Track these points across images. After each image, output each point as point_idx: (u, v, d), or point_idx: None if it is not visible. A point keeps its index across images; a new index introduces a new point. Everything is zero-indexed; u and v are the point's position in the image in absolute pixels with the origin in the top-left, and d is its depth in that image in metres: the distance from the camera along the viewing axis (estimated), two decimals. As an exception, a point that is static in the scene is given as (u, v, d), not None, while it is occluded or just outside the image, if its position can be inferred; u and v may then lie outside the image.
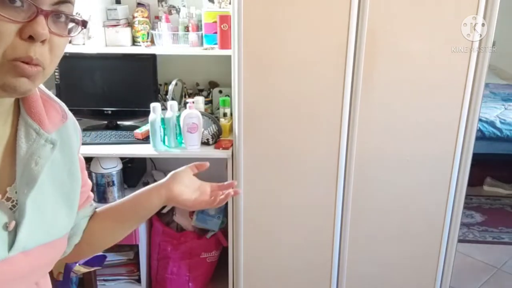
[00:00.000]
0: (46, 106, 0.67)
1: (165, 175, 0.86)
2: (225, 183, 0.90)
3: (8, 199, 0.60)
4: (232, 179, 1.95)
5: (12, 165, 0.62)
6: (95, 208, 0.84)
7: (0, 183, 0.61)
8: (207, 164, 0.91)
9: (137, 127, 2.16)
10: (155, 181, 0.87)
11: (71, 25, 0.59)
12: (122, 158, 2.12)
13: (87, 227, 0.81)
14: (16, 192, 0.61)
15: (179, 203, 0.84)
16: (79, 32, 0.60)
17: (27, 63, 0.54)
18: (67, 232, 0.71)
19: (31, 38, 0.53)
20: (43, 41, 0.54)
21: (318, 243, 2.01)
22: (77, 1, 0.60)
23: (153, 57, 2.15)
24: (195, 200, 0.85)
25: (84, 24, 0.60)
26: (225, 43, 2.06)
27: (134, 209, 0.83)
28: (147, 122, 1.98)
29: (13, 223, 0.59)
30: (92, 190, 0.85)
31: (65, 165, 0.69)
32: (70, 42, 2.19)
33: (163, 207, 2.38)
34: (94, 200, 0.85)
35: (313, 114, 1.84)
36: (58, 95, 2.21)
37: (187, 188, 0.84)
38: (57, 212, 0.67)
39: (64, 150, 0.69)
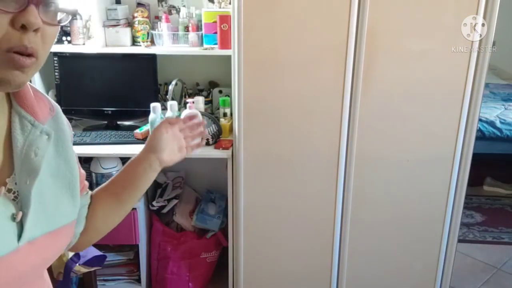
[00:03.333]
0: (35, 99, 0.67)
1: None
2: (194, 123, 0.99)
3: (9, 190, 0.61)
4: (232, 179, 1.95)
5: (7, 157, 0.62)
6: (91, 195, 0.85)
7: None
8: (180, 119, 0.97)
9: (137, 127, 2.16)
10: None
11: (61, 14, 0.60)
12: (122, 158, 2.11)
13: (88, 213, 0.82)
14: (16, 183, 0.61)
15: (172, 163, 0.93)
16: (68, 21, 0.62)
17: (21, 53, 0.55)
18: (73, 219, 0.72)
19: (23, 28, 0.54)
20: (35, 30, 0.55)
21: (318, 243, 2.01)
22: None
23: (153, 57, 2.15)
24: (181, 156, 0.95)
25: (73, 13, 0.61)
26: (225, 43, 2.06)
27: (132, 187, 0.86)
28: (147, 122, 1.98)
29: (20, 214, 0.60)
30: (92, 190, 0.86)
31: (60, 155, 0.70)
32: (70, 42, 2.19)
33: (163, 207, 2.35)
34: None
35: (313, 114, 1.84)
36: (58, 95, 2.21)
37: (171, 149, 0.91)
38: (58, 201, 0.68)
39: (57, 141, 0.70)
